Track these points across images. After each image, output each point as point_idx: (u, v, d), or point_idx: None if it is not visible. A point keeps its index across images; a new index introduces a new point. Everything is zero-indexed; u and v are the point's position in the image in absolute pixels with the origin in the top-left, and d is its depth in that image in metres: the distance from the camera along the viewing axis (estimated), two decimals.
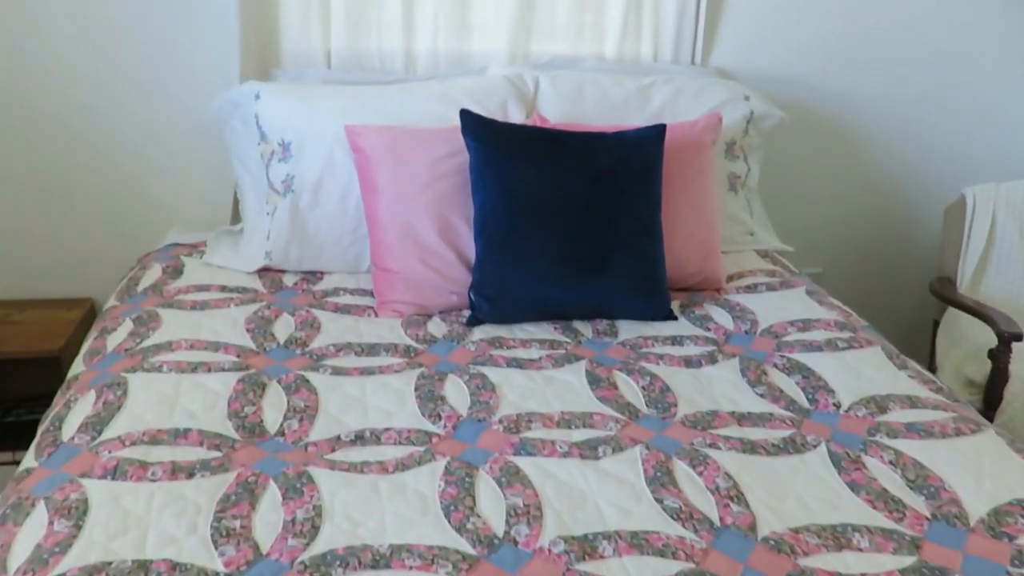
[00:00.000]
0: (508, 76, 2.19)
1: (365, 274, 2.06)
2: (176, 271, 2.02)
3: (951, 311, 2.47)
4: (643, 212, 1.88)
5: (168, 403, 1.46)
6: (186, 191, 2.38)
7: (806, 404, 1.57)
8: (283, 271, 2.05)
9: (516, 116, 2.13)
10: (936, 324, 2.62)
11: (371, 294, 1.95)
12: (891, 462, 1.38)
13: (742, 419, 1.51)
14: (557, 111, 2.17)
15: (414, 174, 1.90)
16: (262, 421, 1.45)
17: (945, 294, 2.44)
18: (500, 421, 1.46)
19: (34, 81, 2.22)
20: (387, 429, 1.44)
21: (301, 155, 2.02)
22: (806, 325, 1.85)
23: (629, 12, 2.38)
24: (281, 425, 1.44)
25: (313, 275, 2.05)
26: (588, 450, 1.39)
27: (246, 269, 2.02)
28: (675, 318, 1.91)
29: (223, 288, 1.93)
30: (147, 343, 1.66)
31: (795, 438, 1.45)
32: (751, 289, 2.05)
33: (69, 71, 2.23)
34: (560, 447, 1.39)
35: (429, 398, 1.53)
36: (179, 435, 1.37)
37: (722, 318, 1.91)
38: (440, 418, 1.47)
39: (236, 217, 2.29)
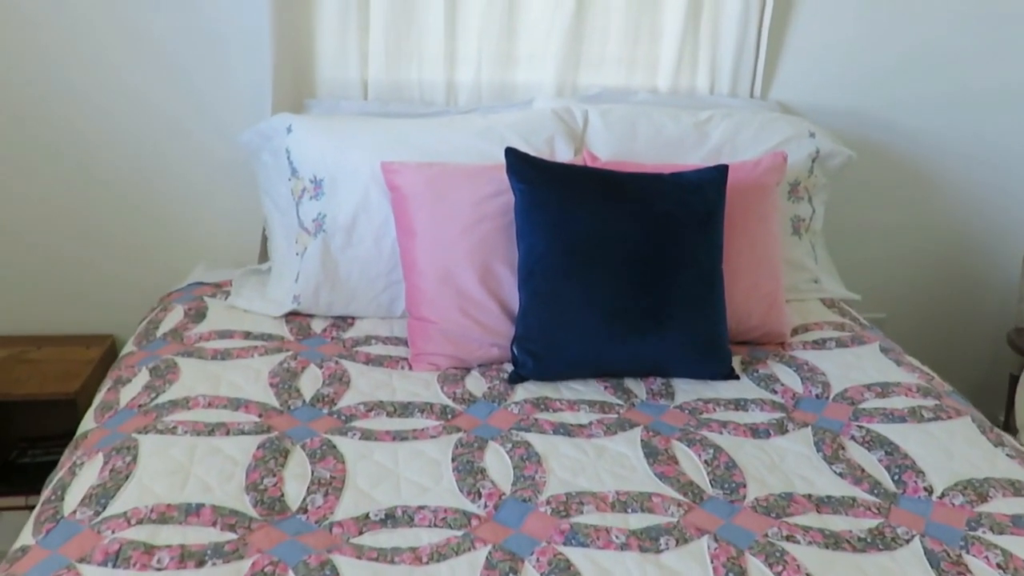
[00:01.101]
0: (556, 110, 2.04)
1: (399, 319, 1.92)
2: (199, 314, 1.89)
3: None
4: (704, 261, 1.71)
5: (181, 473, 1.32)
6: (214, 226, 2.27)
7: (892, 487, 1.39)
8: (311, 315, 1.91)
9: (564, 153, 1.98)
10: (1013, 379, 2.42)
11: (405, 343, 1.80)
12: (999, 565, 1.20)
13: (821, 504, 1.33)
14: (608, 148, 2.02)
15: (455, 216, 1.76)
16: (283, 495, 1.30)
17: None
18: (548, 502, 1.30)
19: (58, 111, 2.12)
20: (421, 508, 1.28)
21: (334, 193, 1.89)
22: (884, 390, 1.67)
23: (685, 42, 2.23)
24: (304, 500, 1.29)
25: (343, 320, 1.91)
26: (648, 541, 1.22)
27: (273, 313, 1.89)
28: (736, 377, 1.74)
29: (247, 335, 1.79)
30: (162, 398, 1.52)
31: (883, 530, 1.28)
32: (819, 345, 1.87)
33: (95, 101, 2.13)
34: (616, 537, 1.22)
35: (468, 471, 1.38)
36: (191, 512, 1.23)
37: (789, 378, 1.73)
38: (480, 496, 1.32)
39: (264, 255, 2.17)
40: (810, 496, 1.35)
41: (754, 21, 2.23)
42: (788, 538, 1.24)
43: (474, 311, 1.73)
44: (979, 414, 1.62)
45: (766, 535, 1.25)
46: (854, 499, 1.35)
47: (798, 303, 2.08)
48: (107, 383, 1.66)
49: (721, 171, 1.78)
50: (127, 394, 1.56)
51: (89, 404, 1.62)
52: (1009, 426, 2.27)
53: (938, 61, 2.38)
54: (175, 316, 1.88)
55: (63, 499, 1.27)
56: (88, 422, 1.52)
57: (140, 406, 1.51)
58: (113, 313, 2.33)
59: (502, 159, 1.78)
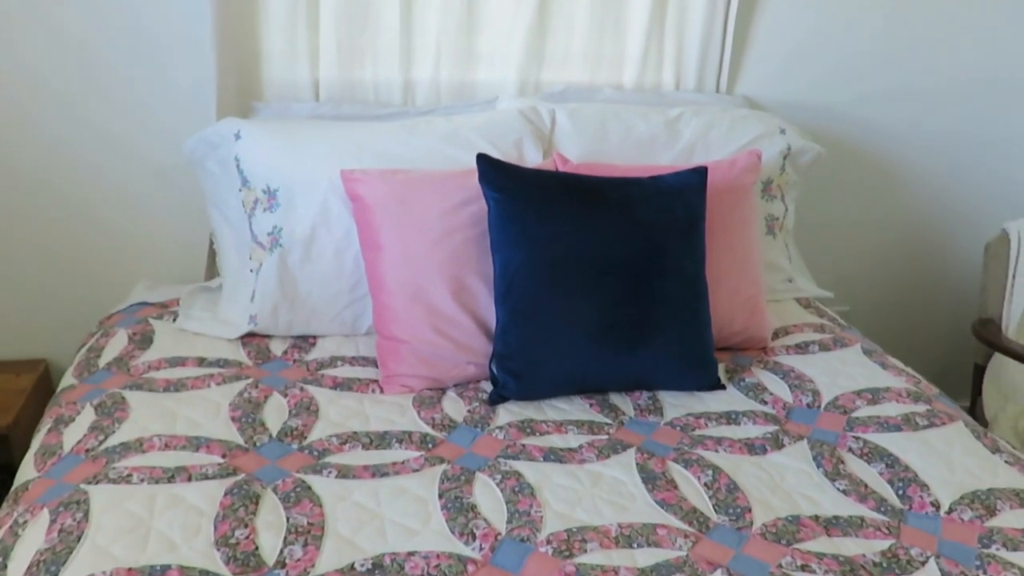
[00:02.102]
0: (522, 110, 1.94)
1: (364, 337, 1.80)
2: (145, 339, 1.74)
3: (998, 357, 2.27)
4: (688, 269, 1.64)
5: (140, 529, 1.19)
6: (155, 240, 2.11)
7: (898, 503, 1.34)
8: (270, 336, 1.78)
9: (533, 155, 1.89)
10: (977, 368, 2.42)
11: (373, 363, 1.69)
12: None
13: (830, 526, 1.27)
14: (577, 149, 1.93)
15: (423, 227, 1.65)
16: (257, 548, 1.18)
17: (991, 339, 2.23)
18: (548, 540, 1.21)
19: None
20: (411, 554, 1.18)
21: (290, 204, 1.75)
22: (875, 396, 1.62)
23: (651, 38, 2.15)
24: (282, 552, 1.18)
25: (304, 340, 1.78)
26: None
27: (227, 336, 1.75)
28: (723, 387, 1.67)
29: (201, 361, 1.65)
30: (112, 440, 1.38)
31: (897, 551, 1.22)
32: (802, 349, 1.82)
33: (21, 108, 1.94)
34: None
35: (458, 508, 1.28)
36: (155, 574, 1.10)
37: (777, 387, 1.67)
38: (474, 537, 1.22)
39: (212, 271, 2.02)
40: (817, 518, 1.29)
41: (720, 15, 2.16)
42: (804, 567, 1.18)
43: (448, 328, 1.63)
44: (970, 418, 1.59)
45: (780, 566, 1.18)
46: (862, 519, 1.29)
47: (775, 304, 2.03)
48: (46, 423, 1.50)
49: (701, 174, 1.71)
50: (71, 436, 1.41)
51: (22, 441, 1.47)
52: (976, 416, 2.27)
53: (898, 52, 2.36)
54: (118, 342, 1.73)
55: (6, 567, 1.13)
56: (27, 470, 1.37)
57: (88, 451, 1.36)
58: (46, 335, 2.15)
59: (469, 164, 1.67)
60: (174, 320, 1.82)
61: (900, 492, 1.36)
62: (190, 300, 1.88)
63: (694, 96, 2.20)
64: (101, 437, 1.39)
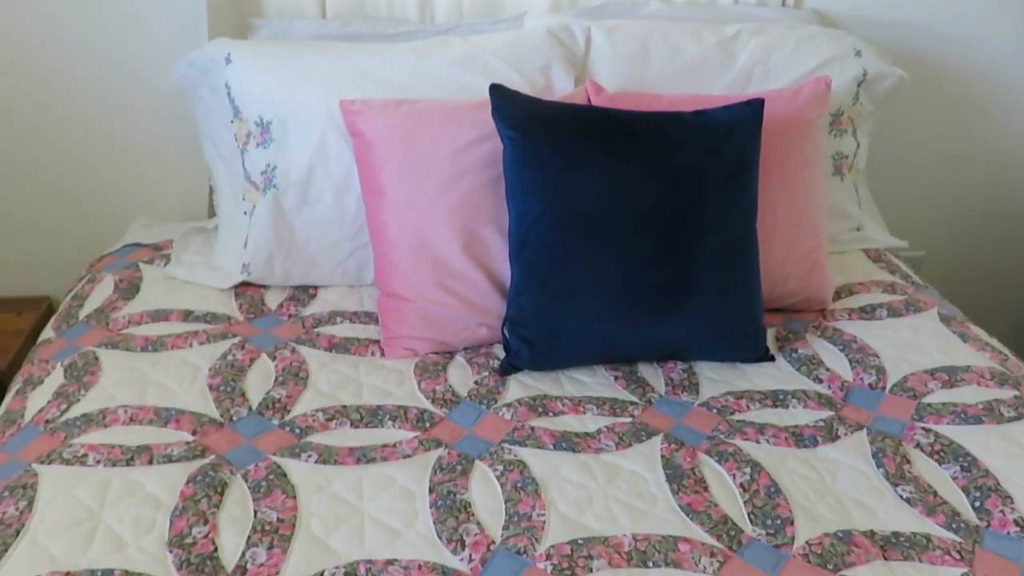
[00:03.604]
0: (552, 29, 1.68)
1: (370, 288, 1.62)
2: (131, 287, 1.59)
3: None
4: (735, 224, 1.41)
5: (87, 523, 1.05)
6: (155, 173, 1.94)
7: (974, 518, 1.12)
8: (266, 286, 1.61)
9: (562, 84, 1.64)
10: None
11: (377, 319, 1.51)
12: None
13: (888, 546, 1.07)
14: (615, 76, 1.68)
15: (430, 169, 1.44)
16: (216, 550, 1.03)
17: None
18: (548, 555, 1.04)
19: None
20: (390, 563, 1.02)
21: (284, 139, 1.56)
22: (952, 377, 1.38)
23: None
24: (243, 555, 1.03)
25: (304, 291, 1.61)
26: None
27: (219, 286, 1.59)
28: (771, 358, 1.46)
29: (187, 315, 1.50)
30: (75, 411, 1.24)
31: None
32: (867, 313, 1.58)
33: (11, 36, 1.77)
34: None
35: (449, 507, 1.11)
36: None
37: (835, 361, 1.45)
38: (464, 545, 1.05)
39: (213, 208, 1.85)
40: (873, 535, 1.09)
41: None
42: None
43: (456, 285, 1.44)
44: None
45: None
46: (928, 538, 1.08)
47: (838, 256, 1.77)
48: (17, 382, 1.38)
49: (756, 109, 1.45)
50: (35, 403, 1.28)
51: None
52: None
53: None
54: (103, 290, 1.58)
55: None
56: None
57: (47, 422, 1.23)
58: (50, 271, 2.03)
59: (488, 94, 1.44)
60: (166, 264, 1.67)
61: (977, 504, 1.14)
62: (184, 243, 1.72)
63: (756, 11, 1.90)
64: (64, 406, 1.25)
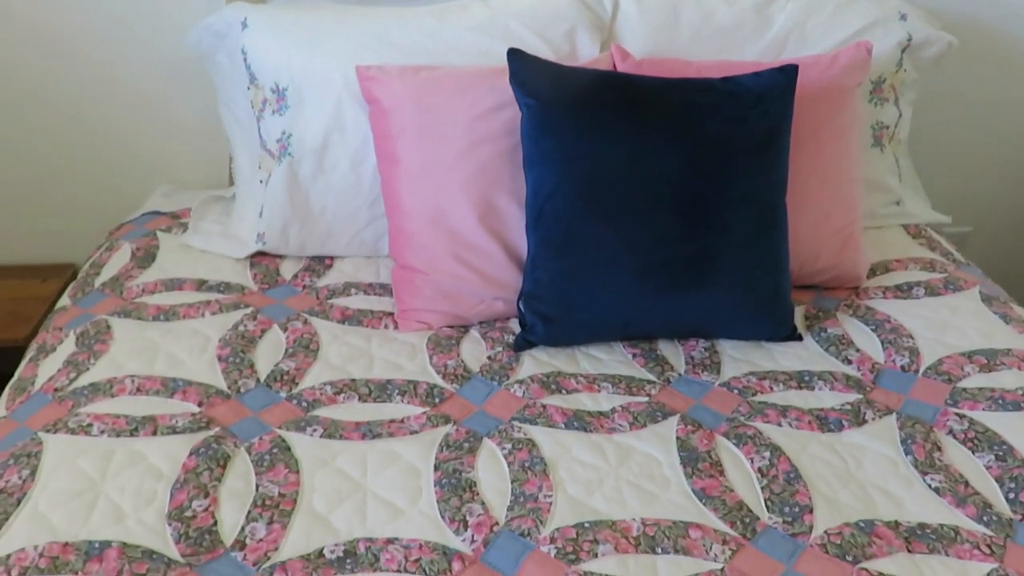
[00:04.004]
0: None
1: (387, 259, 1.59)
2: (148, 255, 1.58)
3: None
4: (764, 196, 1.34)
5: (88, 494, 1.04)
6: (180, 142, 1.92)
7: (1007, 511, 1.06)
8: (283, 256, 1.59)
9: (587, 49, 1.58)
10: None
11: (392, 292, 1.48)
12: None
13: (913, 538, 1.01)
14: (643, 41, 1.61)
15: (447, 137, 1.39)
16: (215, 524, 1.02)
17: None
18: (552, 538, 1.00)
19: None
20: (391, 542, 1.00)
21: (300, 106, 1.52)
22: (991, 361, 1.31)
23: None
24: (243, 530, 1.01)
25: (320, 262, 1.59)
26: None
27: (234, 255, 1.57)
28: (799, 338, 1.40)
29: (200, 285, 1.48)
30: (84, 380, 1.24)
31: None
32: (904, 292, 1.51)
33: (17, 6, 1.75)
34: None
35: (454, 486, 1.08)
36: (91, 555, 0.96)
37: (866, 341, 1.38)
38: (467, 525, 1.02)
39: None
40: (897, 525, 1.03)
41: None
42: None
43: (472, 258, 1.40)
44: None
45: None
46: (956, 530, 1.03)
47: (876, 232, 1.70)
48: (31, 350, 1.38)
49: (789, 75, 1.38)
50: (46, 370, 1.28)
51: None
52: None
53: None
54: (120, 258, 1.58)
55: None
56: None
57: (56, 390, 1.22)
58: (76, 239, 2.04)
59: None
60: (183, 233, 1.65)
61: (1011, 496, 1.08)
62: (202, 211, 1.70)
63: None
64: (73, 375, 1.25)
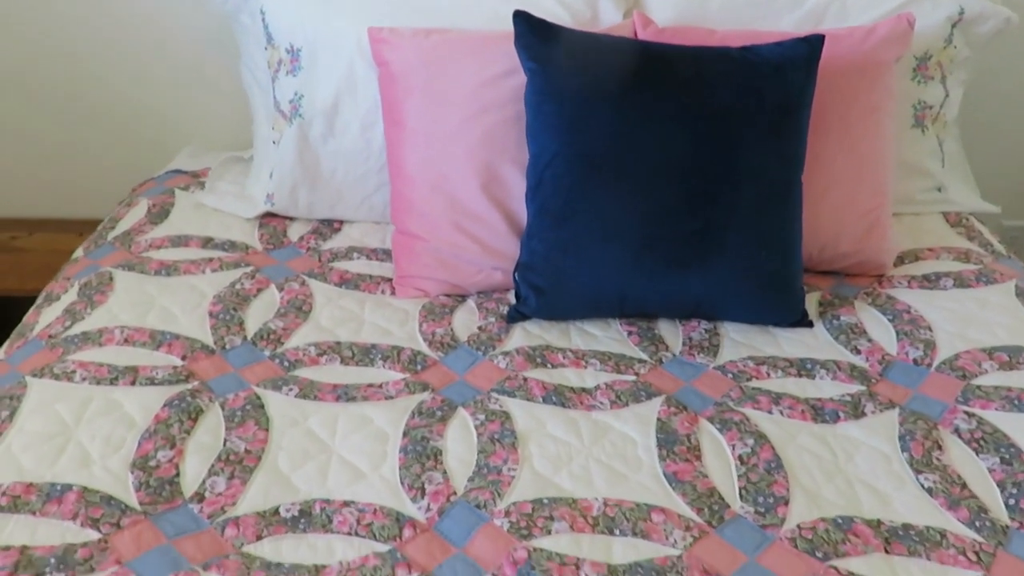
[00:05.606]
0: None
1: None
2: (162, 212, 1.60)
3: None
4: (775, 172, 1.27)
5: (60, 437, 1.06)
6: (211, 103, 1.95)
7: (1004, 517, 0.98)
8: (293, 218, 1.59)
9: (610, 16, 1.53)
10: None
11: None
12: None
13: (893, 539, 0.95)
14: (669, 9, 1.55)
15: (453, 102, 1.37)
16: (178, 475, 1.02)
17: None
18: (507, 512, 0.97)
19: None
20: (347, 504, 0.98)
21: (312, 67, 1.52)
22: (1013, 359, 1.22)
23: None
24: (203, 483, 1.01)
25: (329, 225, 1.58)
26: None
27: (244, 215, 1.58)
28: (809, 324, 1.32)
29: (207, 242, 1.50)
30: (76, 328, 1.26)
31: None
32: (930, 282, 1.42)
33: None
34: None
35: (419, 453, 1.06)
36: (52, 496, 0.97)
37: (880, 331, 1.30)
38: (424, 493, 1.00)
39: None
40: (879, 524, 0.96)
41: None
42: None
43: (472, 226, 1.37)
44: None
45: None
46: (943, 534, 0.95)
47: (913, 219, 1.60)
48: (40, 298, 1.41)
49: (813, 45, 1.30)
50: (46, 318, 1.31)
51: None
52: None
53: None
54: (136, 214, 1.60)
55: None
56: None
57: (51, 336, 1.25)
58: (112, 197, 2.09)
59: None
60: (203, 190, 1.67)
61: (1011, 502, 1.00)
62: (220, 171, 1.72)
63: None
64: (68, 323, 1.27)
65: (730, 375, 1.21)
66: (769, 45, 1.31)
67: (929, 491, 1.01)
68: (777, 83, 1.27)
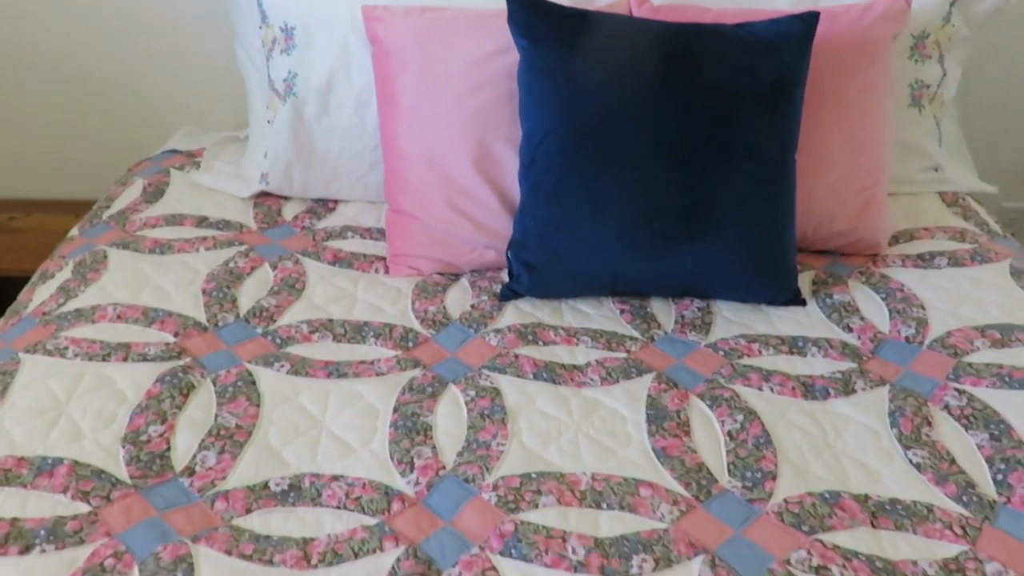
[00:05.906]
0: None
1: None
2: (157, 191, 1.60)
3: None
4: (769, 149, 1.27)
5: (52, 412, 1.06)
6: (210, 83, 1.95)
7: (992, 492, 0.98)
8: (287, 198, 1.59)
9: None
10: None
11: None
12: None
13: (880, 513, 0.95)
14: None
15: (447, 79, 1.36)
16: (169, 450, 1.03)
17: None
18: (495, 486, 0.98)
19: None
20: (336, 479, 0.99)
21: (307, 46, 1.51)
22: (1005, 336, 1.22)
23: None
24: (194, 457, 1.02)
25: (324, 205, 1.58)
26: (616, 560, 0.89)
27: (239, 194, 1.58)
28: (803, 302, 1.32)
29: (201, 221, 1.50)
30: (70, 306, 1.26)
31: (965, 564, 0.89)
32: (924, 261, 1.41)
33: None
34: (573, 550, 0.89)
35: (409, 428, 1.06)
36: (43, 470, 0.98)
37: (872, 310, 1.30)
38: (413, 468, 1.01)
39: None
40: (866, 499, 0.97)
41: None
42: (819, 569, 0.88)
43: (465, 204, 1.37)
44: None
45: (787, 562, 0.89)
46: (930, 508, 0.96)
47: (909, 199, 1.59)
48: (35, 276, 1.42)
49: (808, 22, 1.29)
50: (40, 295, 1.32)
51: None
52: None
53: None
54: (131, 193, 1.61)
55: None
56: None
57: (44, 314, 1.25)
58: (110, 177, 2.09)
59: None
60: (199, 169, 1.67)
61: (999, 477, 1.00)
62: (216, 151, 1.72)
63: None
64: (62, 300, 1.28)
65: (721, 352, 1.21)
66: (764, 22, 1.30)
67: (917, 466, 1.01)
68: (771, 61, 1.26)
